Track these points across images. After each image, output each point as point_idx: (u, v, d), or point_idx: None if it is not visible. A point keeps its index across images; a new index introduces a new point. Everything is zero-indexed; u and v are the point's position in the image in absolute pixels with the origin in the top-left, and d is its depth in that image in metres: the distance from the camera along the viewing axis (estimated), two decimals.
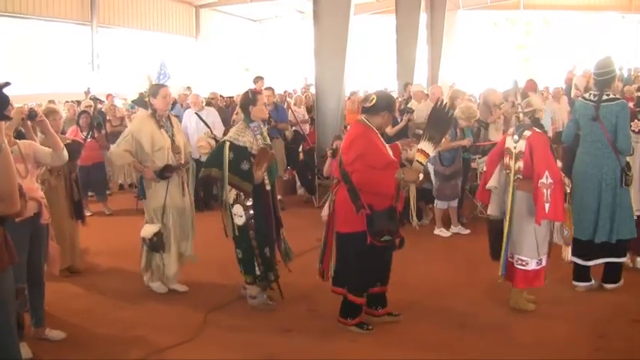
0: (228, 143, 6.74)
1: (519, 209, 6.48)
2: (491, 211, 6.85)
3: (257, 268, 6.84)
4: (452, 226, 9.98)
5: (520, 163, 6.40)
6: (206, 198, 12.13)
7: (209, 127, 11.82)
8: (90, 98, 15.45)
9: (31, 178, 5.79)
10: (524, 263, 6.49)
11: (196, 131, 11.76)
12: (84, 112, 12.09)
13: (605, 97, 6.91)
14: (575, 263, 7.12)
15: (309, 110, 16.13)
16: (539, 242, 6.46)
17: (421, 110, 12.35)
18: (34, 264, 5.83)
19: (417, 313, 6.62)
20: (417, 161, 5.94)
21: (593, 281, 7.19)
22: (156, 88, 7.42)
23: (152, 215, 7.33)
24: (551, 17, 39.80)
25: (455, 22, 34.75)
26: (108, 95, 18.15)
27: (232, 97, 19.98)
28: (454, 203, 9.96)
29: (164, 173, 7.17)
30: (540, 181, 6.14)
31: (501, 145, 6.79)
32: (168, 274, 7.41)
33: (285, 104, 14.65)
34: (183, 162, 7.44)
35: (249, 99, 6.93)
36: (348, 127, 10.04)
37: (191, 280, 7.72)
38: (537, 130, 6.45)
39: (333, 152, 10.63)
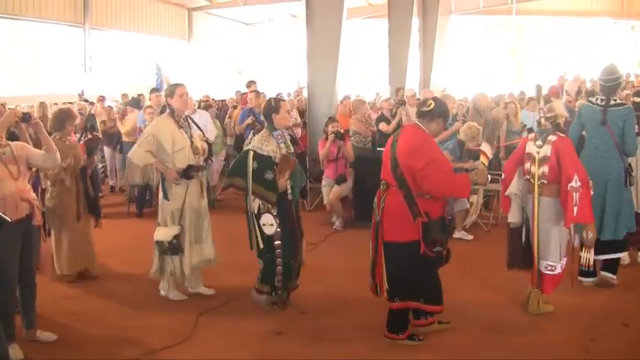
0: (252, 152, 6.68)
1: (546, 215, 6.51)
2: (512, 218, 6.83)
3: (276, 280, 6.77)
4: (455, 231, 9.98)
5: (544, 168, 6.43)
6: None
7: (201, 130, 11.80)
8: (83, 99, 15.44)
9: (23, 179, 5.79)
10: (552, 268, 6.54)
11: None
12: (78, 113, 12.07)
13: (612, 102, 7.26)
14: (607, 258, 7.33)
15: (301, 114, 16.14)
16: (562, 246, 6.57)
17: (413, 114, 12.41)
18: (25, 266, 5.83)
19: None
20: (482, 163, 5.99)
21: (597, 277, 7.46)
22: (172, 88, 7.30)
23: (168, 217, 7.14)
24: (544, 22, 39.90)
25: (447, 27, 34.83)
26: (99, 97, 18.12)
27: (224, 101, 19.98)
28: (459, 206, 9.89)
29: (188, 173, 7.06)
30: (570, 184, 6.20)
31: (521, 151, 6.76)
32: (185, 275, 7.25)
33: None
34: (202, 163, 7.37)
35: (272, 106, 6.83)
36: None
37: (182, 282, 7.73)
38: (561, 134, 6.55)
39: (337, 134, 10.61)
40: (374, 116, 12.93)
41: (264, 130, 6.96)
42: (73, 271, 7.87)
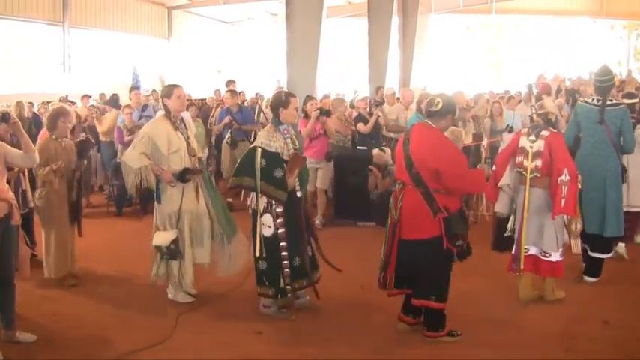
0: (260, 150, 6.48)
1: (538, 205, 6.81)
2: (499, 208, 7.17)
3: (282, 281, 6.58)
4: None
5: (537, 162, 6.73)
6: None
7: None
8: (60, 100, 15.34)
9: (1, 179, 5.77)
10: (547, 255, 6.84)
11: None
12: None
13: (608, 102, 7.56)
14: (593, 258, 7.58)
15: None
16: (558, 234, 6.85)
17: (392, 113, 12.47)
18: (4, 266, 5.83)
19: (391, 316, 6.60)
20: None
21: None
22: (169, 89, 7.19)
23: (166, 221, 7.03)
24: (523, 22, 40.14)
25: (427, 26, 34.87)
26: (84, 96, 18.01)
27: (204, 100, 19.93)
28: None
29: (184, 176, 6.93)
30: (560, 178, 6.51)
31: (514, 145, 7.03)
32: (186, 282, 7.16)
33: (257, 106, 14.68)
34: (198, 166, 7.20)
35: (281, 100, 6.68)
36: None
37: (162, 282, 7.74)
38: (553, 130, 6.84)
39: (322, 111, 10.56)
40: (354, 114, 12.94)
41: (269, 125, 6.80)
42: (60, 274, 7.76)
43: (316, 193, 10.88)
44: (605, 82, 7.73)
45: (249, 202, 6.87)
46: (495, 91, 22.79)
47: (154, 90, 18.78)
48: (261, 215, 6.52)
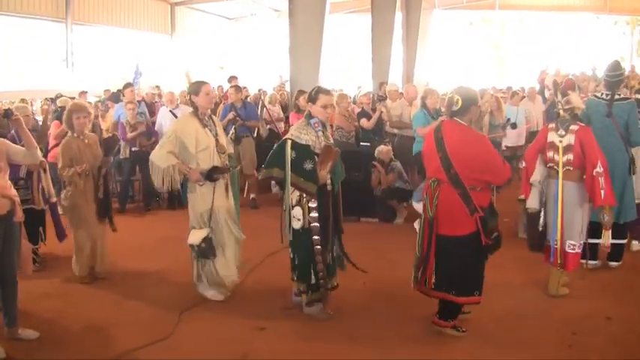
0: (289, 141, 6.41)
1: (570, 198, 6.91)
2: (531, 204, 7.16)
3: (312, 276, 6.48)
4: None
5: (569, 156, 6.85)
6: (180, 195, 12.14)
7: None
8: (57, 96, 15.35)
9: (3, 175, 5.75)
10: (574, 247, 6.94)
11: None
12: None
13: (617, 97, 7.87)
14: (591, 244, 7.54)
15: (283, 108, 16.15)
16: (583, 227, 7.00)
17: (395, 109, 12.43)
18: (6, 263, 5.82)
19: (392, 311, 6.65)
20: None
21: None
22: (197, 86, 7.05)
23: (199, 219, 6.96)
24: (526, 17, 40.08)
25: (430, 22, 34.85)
26: (81, 93, 18.01)
27: None
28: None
29: (212, 175, 6.83)
30: (595, 170, 6.65)
31: (542, 141, 7.15)
32: (221, 281, 7.07)
33: (260, 102, 14.67)
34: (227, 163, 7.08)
35: (312, 96, 6.60)
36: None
37: (165, 278, 7.73)
38: (581, 124, 6.98)
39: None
40: (357, 110, 12.92)
41: (302, 119, 6.70)
42: (83, 272, 7.74)
43: None
44: (614, 78, 7.97)
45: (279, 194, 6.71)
46: (498, 87, 22.77)
47: (156, 85, 18.81)
48: (293, 207, 6.44)
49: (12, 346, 5.89)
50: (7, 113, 5.87)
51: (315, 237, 6.39)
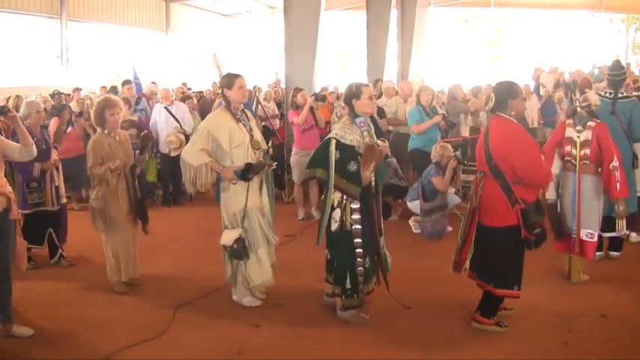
0: (334, 141, 6.14)
1: (588, 190, 7.24)
2: (550, 195, 7.52)
3: (348, 282, 6.29)
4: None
5: (586, 150, 7.16)
6: (175, 194, 12.14)
7: (179, 122, 11.81)
8: (54, 93, 15.32)
9: None
10: (592, 236, 7.27)
11: (166, 126, 11.77)
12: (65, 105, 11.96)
13: (620, 95, 8.22)
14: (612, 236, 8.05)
15: (279, 105, 16.15)
16: (600, 217, 7.37)
17: (391, 106, 12.44)
18: (1, 260, 5.79)
19: (389, 309, 6.62)
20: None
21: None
22: (231, 79, 6.70)
23: (232, 219, 6.64)
24: (522, 15, 40.13)
25: (425, 19, 34.81)
26: (75, 89, 17.98)
27: (202, 92, 19.94)
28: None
29: (247, 175, 6.50)
30: (612, 164, 6.95)
31: (560, 136, 7.44)
32: (253, 283, 6.77)
33: (255, 99, 14.66)
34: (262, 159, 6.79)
35: (353, 92, 6.30)
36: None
37: (159, 275, 7.71)
38: (598, 120, 7.23)
39: (317, 96, 10.67)
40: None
41: (345, 118, 6.43)
42: (114, 278, 7.38)
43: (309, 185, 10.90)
44: (617, 77, 8.38)
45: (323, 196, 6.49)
46: (493, 84, 22.78)
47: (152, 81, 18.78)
48: (333, 209, 6.25)
49: (6, 343, 5.88)
50: (3, 110, 5.85)
51: (357, 240, 6.21)
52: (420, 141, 10.44)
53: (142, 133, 7.83)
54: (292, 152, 10.73)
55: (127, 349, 5.82)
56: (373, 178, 6.32)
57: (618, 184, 6.96)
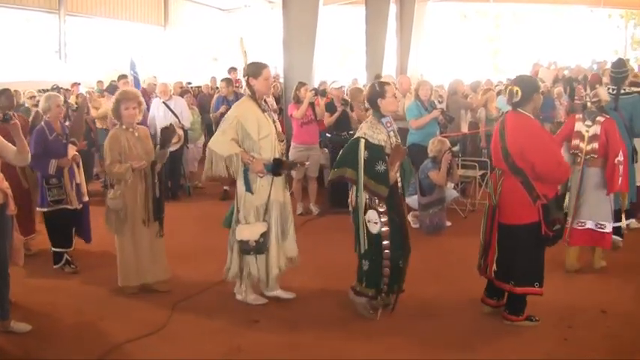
0: (363, 140, 6.03)
1: (595, 182, 7.44)
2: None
3: (382, 283, 6.20)
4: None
5: (594, 144, 7.35)
6: (173, 189, 12.11)
7: (177, 117, 11.78)
8: (53, 87, 15.27)
9: None
10: (603, 227, 7.47)
11: (164, 121, 11.70)
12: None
13: (622, 92, 8.48)
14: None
15: (277, 100, 16.11)
16: (612, 208, 7.54)
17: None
18: None
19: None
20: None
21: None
22: (257, 69, 6.59)
23: (252, 213, 6.45)
24: (521, 10, 40.08)
25: (424, 14, 34.65)
26: (73, 84, 17.94)
27: (200, 87, 19.92)
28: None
29: (278, 170, 6.42)
30: (617, 159, 7.17)
31: (569, 129, 7.65)
32: (270, 277, 6.60)
33: None
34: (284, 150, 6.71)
35: (377, 91, 6.18)
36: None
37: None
38: (607, 116, 7.43)
39: (317, 91, 10.73)
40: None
41: (371, 117, 6.29)
42: (134, 282, 7.09)
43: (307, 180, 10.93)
44: (620, 74, 8.60)
45: (350, 199, 6.35)
46: (493, 79, 22.78)
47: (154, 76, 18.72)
48: (365, 211, 6.11)
49: (4, 338, 5.87)
50: (6, 117, 5.79)
51: (385, 242, 6.11)
52: (418, 136, 10.41)
53: (163, 127, 7.48)
54: (291, 147, 10.69)
55: (126, 344, 5.81)
56: (399, 179, 6.29)
57: (620, 179, 7.16)
